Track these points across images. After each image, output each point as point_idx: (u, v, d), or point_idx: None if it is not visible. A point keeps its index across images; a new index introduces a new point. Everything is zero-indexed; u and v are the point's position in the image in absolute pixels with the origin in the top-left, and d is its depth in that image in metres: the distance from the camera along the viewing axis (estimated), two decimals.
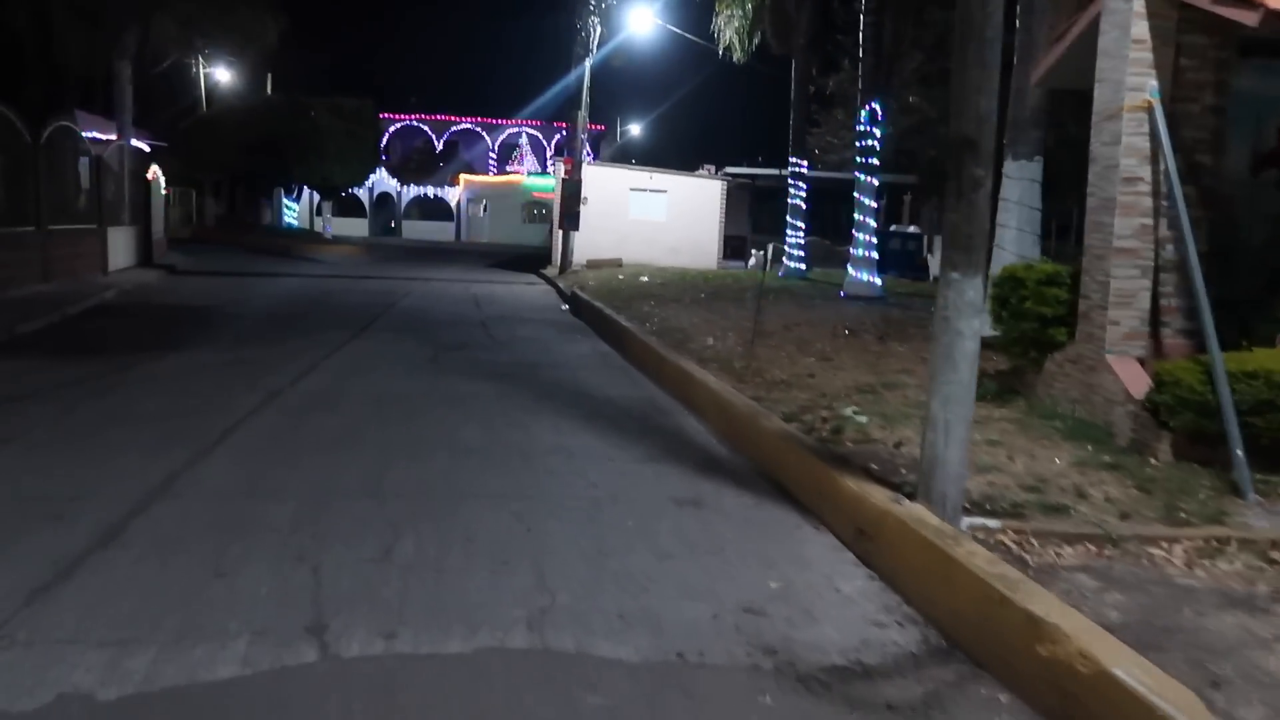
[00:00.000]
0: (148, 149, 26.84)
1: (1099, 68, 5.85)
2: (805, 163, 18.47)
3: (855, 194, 13.84)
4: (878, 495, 4.28)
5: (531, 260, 28.65)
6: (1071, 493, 4.61)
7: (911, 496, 4.23)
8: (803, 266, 18.61)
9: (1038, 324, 6.19)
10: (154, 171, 22.93)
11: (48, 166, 14.71)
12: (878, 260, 23.20)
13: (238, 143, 32.70)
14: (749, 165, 32.00)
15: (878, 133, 13.55)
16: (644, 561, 4.12)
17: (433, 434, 6.32)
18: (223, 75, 41.12)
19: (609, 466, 5.68)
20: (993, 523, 4.15)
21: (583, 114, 22.49)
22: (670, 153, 44.23)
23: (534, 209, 48.84)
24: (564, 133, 52.79)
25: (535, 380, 8.69)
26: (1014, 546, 4.01)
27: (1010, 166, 8.76)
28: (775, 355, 8.51)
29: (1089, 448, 5.31)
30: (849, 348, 8.90)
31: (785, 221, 18.76)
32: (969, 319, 4.01)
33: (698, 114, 59.11)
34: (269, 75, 42.84)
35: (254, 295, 16.12)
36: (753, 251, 24.72)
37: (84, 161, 17.30)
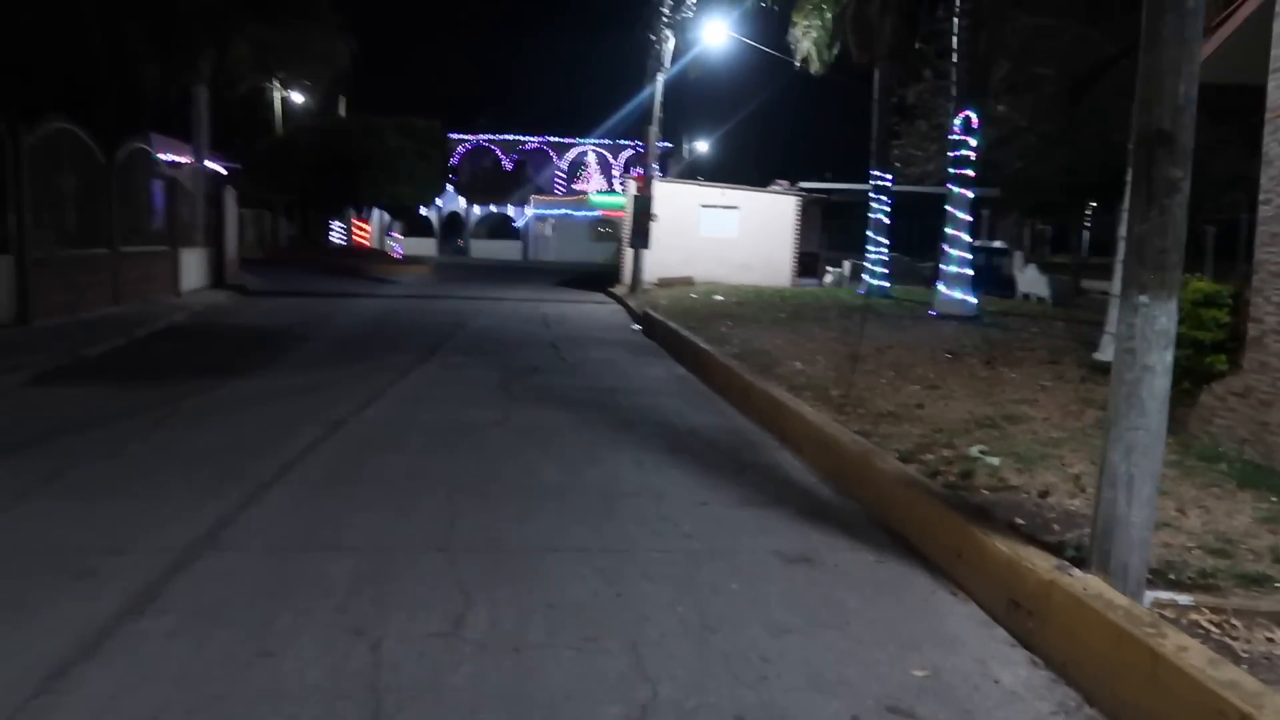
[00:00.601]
0: (224, 171, 27.15)
1: (1275, 56, 5.07)
2: (889, 176, 17.65)
3: (947, 207, 13.00)
4: (1037, 561, 3.56)
5: (599, 278, 28.21)
6: (1268, 557, 3.84)
7: (1079, 563, 3.52)
8: (885, 284, 17.76)
9: (1193, 350, 5.40)
10: (228, 193, 23.07)
11: (121, 188, 14.66)
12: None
13: (310, 164, 32.95)
14: (816, 181, 31.13)
15: (973, 142, 12.72)
16: (757, 638, 3.47)
17: (506, 472, 5.76)
18: (297, 98, 41.79)
19: (702, 512, 5.05)
20: (1183, 598, 3.42)
21: (654, 129, 21.99)
22: (738, 169, 43.55)
23: (600, 227, 48.63)
24: (633, 149, 52.62)
25: (613, 408, 8.11)
26: (1213, 629, 3.28)
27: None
28: (874, 382, 7.80)
29: (1272, 499, 4.51)
30: (954, 373, 8.13)
31: (866, 237, 17.95)
32: (1161, 351, 3.29)
33: (766, 130, 58.30)
34: (341, 97, 43.42)
35: (322, 316, 15.89)
36: (828, 269, 23.90)
37: (157, 184, 17.33)
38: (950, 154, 12.99)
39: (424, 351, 11.39)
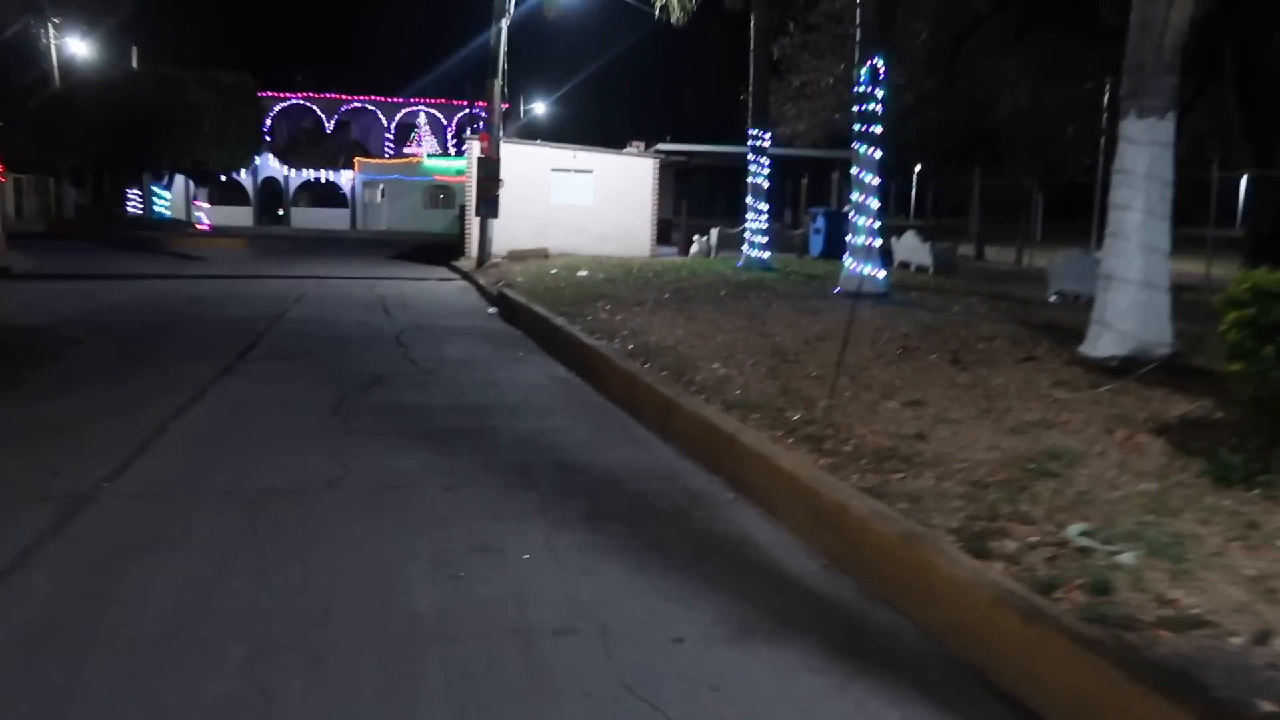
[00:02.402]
0: None
1: None
2: (768, 134, 16.02)
3: (854, 169, 11.40)
4: None
5: (439, 250, 25.67)
6: None
7: None
8: (765, 255, 16.19)
9: None
10: None
11: None
12: (827, 245, 21.10)
13: (95, 122, 28.59)
14: (661, 143, 29.15)
15: (880, 94, 11.16)
16: None
17: (348, 590, 3.63)
18: (79, 47, 36.57)
19: (684, 665, 3.11)
20: None
21: (499, 82, 19.61)
22: (581, 130, 41.34)
23: (436, 193, 45.51)
24: (468, 110, 49.39)
25: (491, 440, 6.03)
26: None
27: (1133, 127, 6.45)
28: (832, 395, 6.03)
29: None
30: (924, 379, 6.47)
31: (744, 204, 16.30)
32: None
33: (612, 88, 56.27)
34: (134, 48, 38.38)
35: (103, 306, 12.90)
36: (695, 238, 22.27)
37: None
38: (855, 109, 11.38)
39: (230, 355, 8.91)
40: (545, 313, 10.95)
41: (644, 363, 7.59)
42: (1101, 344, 6.60)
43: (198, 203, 36.87)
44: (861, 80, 11.24)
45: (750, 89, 15.95)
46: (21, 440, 5.75)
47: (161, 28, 35.33)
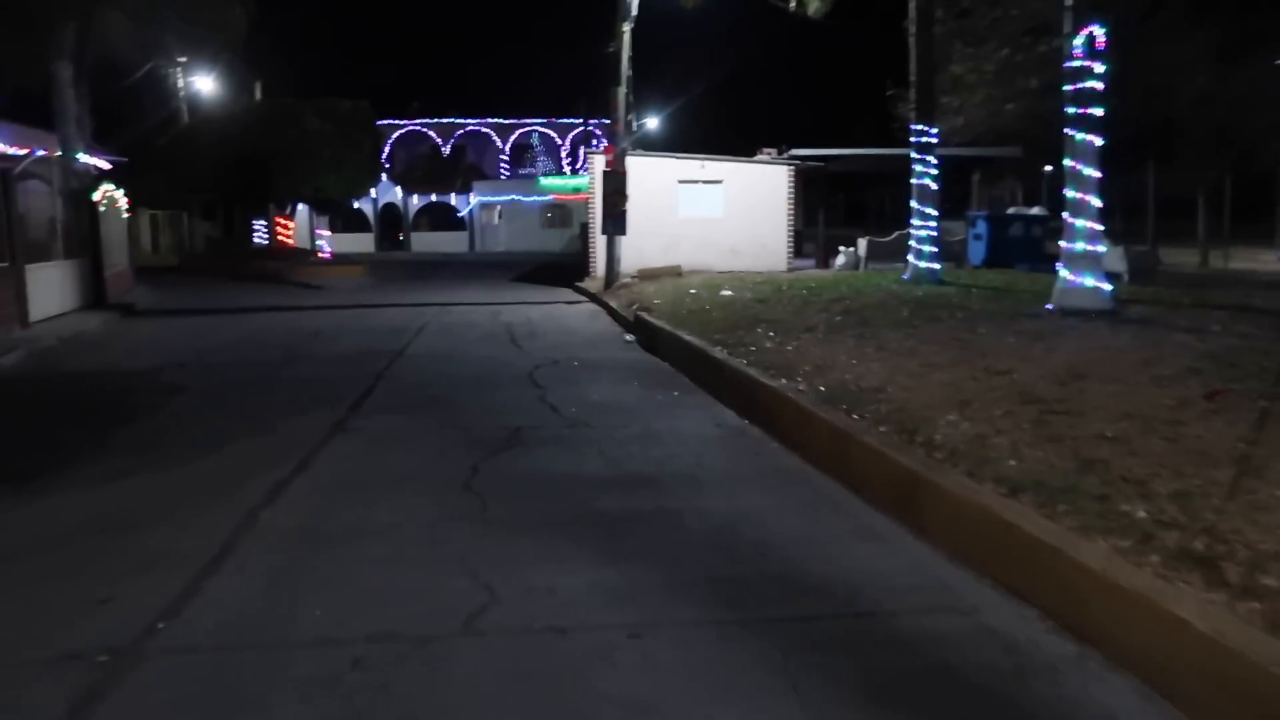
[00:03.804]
0: (106, 166, 22.71)
1: None
2: (935, 130, 14.02)
3: (1068, 161, 9.36)
4: None
5: (560, 271, 24.48)
6: None
7: None
8: (936, 266, 14.19)
9: None
10: (106, 192, 18.82)
11: None
12: (990, 252, 18.90)
13: (218, 157, 28.63)
14: (774, 149, 26.99)
15: (1099, 69, 9.11)
16: None
17: None
18: (205, 84, 37.23)
19: None
20: None
21: (623, 89, 18.20)
22: (696, 141, 39.80)
23: (552, 213, 44.74)
24: (582, 126, 48.57)
25: (675, 535, 4.43)
26: None
27: None
28: (1163, 472, 4.20)
29: None
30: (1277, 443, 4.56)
31: (910, 209, 14.33)
32: None
33: (725, 97, 54.62)
34: (258, 82, 38.92)
35: (215, 345, 11.96)
36: (840, 249, 20.35)
37: None
38: (1068, 88, 9.35)
39: (343, 406, 7.62)
40: (698, 342, 9.35)
41: (849, 412, 5.88)
42: None
43: (319, 231, 36.90)
44: (1076, 52, 9.23)
45: (913, 80, 14.00)
46: (78, 539, 4.46)
47: (285, 62, 35.61)
